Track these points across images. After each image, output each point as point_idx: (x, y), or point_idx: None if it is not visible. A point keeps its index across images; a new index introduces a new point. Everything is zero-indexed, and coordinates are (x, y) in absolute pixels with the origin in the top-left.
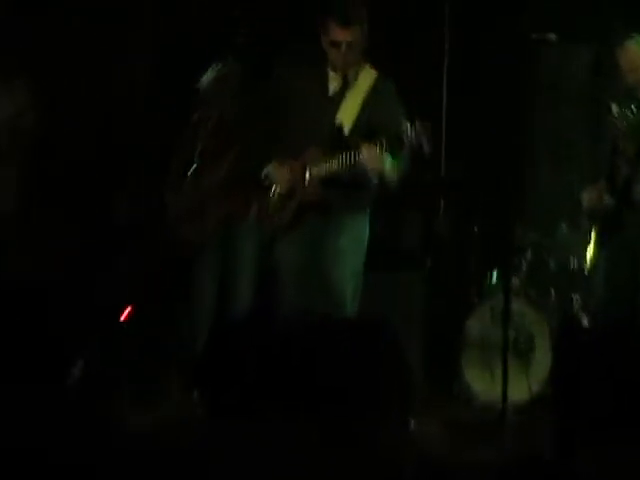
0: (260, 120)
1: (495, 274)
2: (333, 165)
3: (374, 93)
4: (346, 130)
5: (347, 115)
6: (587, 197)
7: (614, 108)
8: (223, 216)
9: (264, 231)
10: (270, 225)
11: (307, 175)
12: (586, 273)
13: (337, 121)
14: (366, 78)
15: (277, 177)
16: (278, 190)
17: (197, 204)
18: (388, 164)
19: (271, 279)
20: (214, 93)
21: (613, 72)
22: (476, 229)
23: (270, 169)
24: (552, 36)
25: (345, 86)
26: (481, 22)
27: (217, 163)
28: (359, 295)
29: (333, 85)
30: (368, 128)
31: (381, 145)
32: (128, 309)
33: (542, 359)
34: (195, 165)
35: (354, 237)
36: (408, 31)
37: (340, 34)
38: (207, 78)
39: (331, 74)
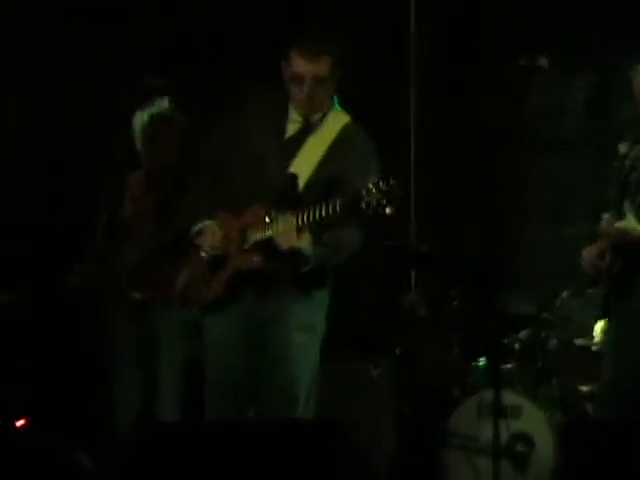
0: (200, 169)
1: (482, 360)
2: (272, 229)
3: (342, 141)
4: (300, 184)
5: (304, 166)
6: (588, 256)
7: (622, 148)
8: (146, 292)
9: (190, 306)
10: (197, 297)
11: (245, 239)
12: (593, 350)
13: (290, 173)
14: (334, 122)
15: (209, 236)
16: (207, 251)
17: (112, 279)
18: (305, 242)
19: (201, 371)
20: (148, 139)
21: (619, 106)
22: (456, 304)
23: (202, 226)
24: (544, 61)
25: (307, 130)
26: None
27: (142, 228)
28: (314, 392)
29: (293, 127)
30: (328, 184)
31: (310, 214)
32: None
33: (542, 462)
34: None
35: (306, 320)
36: (379, 71)
37: (303, 66)
38: (140, 120)
39: (292, 115)
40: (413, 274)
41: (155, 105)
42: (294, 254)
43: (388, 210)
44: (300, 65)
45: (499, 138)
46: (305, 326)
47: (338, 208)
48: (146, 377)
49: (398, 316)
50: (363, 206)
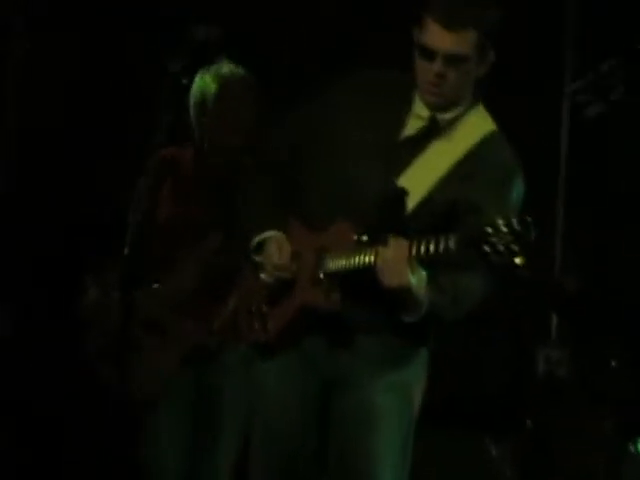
0: (270, 162)
1: None
2: (355, 260)
3: (478, 156)
4: (410, 205)
5: (420, 180)
6: None
7: None
8: (189, 345)
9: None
10: (246, 336)
11: (321, 265)
12: None
13: (398, 187)
14: (473, 127)
15: (273, 252)
16: (268, 272)
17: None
18: (420, 280)
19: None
20: (217, 107)
21: None
22: (613, 365)
23: (266, 237)
24: None
25: (433, 131)
26: None
27: (186, 236)
28: (406, 477)
29: (414, 124)
30: (446, 211)
31: (419, 246)
32: None
33: None
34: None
35: (396, 379)
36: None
37: (439, 39)
38: (201, 84)
39: (417, 106)
40: (554, 321)
41: (217, 65)
42: (402, 296)
43: (518, 260)
44: (434, 34)
45: None
46: (395, 386)
47: (453, 245)
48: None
49: (530, 377)
50: (486, 249)
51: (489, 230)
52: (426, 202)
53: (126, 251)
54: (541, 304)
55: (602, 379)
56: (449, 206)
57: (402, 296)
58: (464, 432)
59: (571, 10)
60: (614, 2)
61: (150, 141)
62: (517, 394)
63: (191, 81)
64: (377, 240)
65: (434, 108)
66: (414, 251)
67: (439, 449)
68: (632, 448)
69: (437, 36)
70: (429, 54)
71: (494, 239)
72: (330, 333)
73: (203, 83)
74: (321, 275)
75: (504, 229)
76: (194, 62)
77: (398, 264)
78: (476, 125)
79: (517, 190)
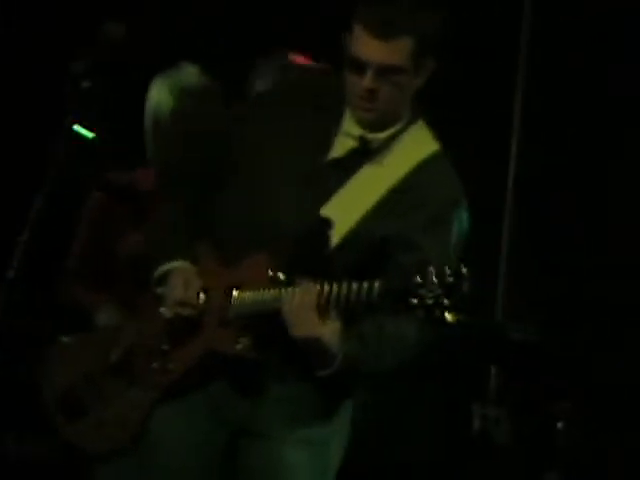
0: (181, 179)
1: None
2: (264, 302)
3: (416, 183)
4: (334, 238)
5: (346, 210)
6: None
7: None
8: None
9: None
10: (143, 379)
11: (230, 304)
12: None
13: (322, 217)
14: (410, 148)
15: (178, 286)
16: (170, 308)
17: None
18: (331, 331)
19: None
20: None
21: None
22: (560, 427)
23: (171, 268)
24: None
25: (364, 153)
26: None
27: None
28: None
29: (343, 145)
30: (375, 250)
31: (334, 293)
32: None
33: None
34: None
35: (311, 433)
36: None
37: (369, 49)
38: (161, 97)
39: (347, 124)
40: (493, 374)
41: (181, 71)
42: (311, 348)
43: (448, 317)
44: (364, 44)
45: None
46: (308, 440)
47: (375, 295)
48: None
49: (465, 441)
50: (413, 302)
51: (418, 280)
52: (353, 236)
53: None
54: (479, 355)
55: (548, 445)
56: (380, 242)
57: (311, 348)
58: None
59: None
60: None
61: (49, 149)
62: (449, 461)
63: (94, 84)
64: (294, 279)
65: (366, 126)
66: (326, 299)
67: None
68: None
69: (367, 46)
70: (359, 66)
71: (422, 291)
72: (238, 379)
73: (158, 95)
74: (230, 316)
75: (434, 280)
76: (97, 63)
77: (305, 312)
78: (414, 146)
79: (459, 224)
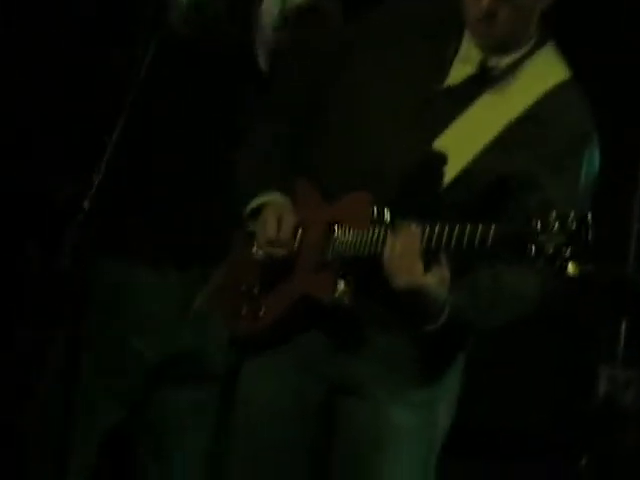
0: (272, 110)
1: None
2: (365, 242)
3: (543, 114)
4: (448, 175)
5: (462, 144)
6: None
7: None
8: None
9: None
10: (232, 324)
11: (330, 244)
12: None
13: (433, 151)
14: (536, 76)
15: (270, 221)
16: (263, 247)
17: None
18: (439, 280)
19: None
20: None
21: None
22: None
23: (265, 201)
24: None
25: (483, 79)
26: None
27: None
28: None
29: (460, 71)
30: (494, 189)
31: (441, 237)
32: None
33: None
34: None
35: (416, 394)
36: None
37: None
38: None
39: (465, 48)
40: (623, 331)
41: None
42: (415, 299)
43: (570, 268)
44: None
45: None
46: (417, 402)
47: (490, 240)
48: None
49: (589, 408)
50: (532, 250)
51: (538, 226)
52: (469, 173)
53: None
54: (607, 309)
55: None
56: (498, 180)
57: (414, 299)
58: (501, 466)
59: None
60: None
61: None
62: (569, 425)
63: None
64: (400, 220)
65: (487, 50)
66: (434, 243)
67: None
68: None
69: None
70: None
71: (542, 238)
72: (337, 330)
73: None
74: (328, 257)
75: (556, 226)
76: None
77: (409, 258)
78: (541, 73)
79: (589, 163)
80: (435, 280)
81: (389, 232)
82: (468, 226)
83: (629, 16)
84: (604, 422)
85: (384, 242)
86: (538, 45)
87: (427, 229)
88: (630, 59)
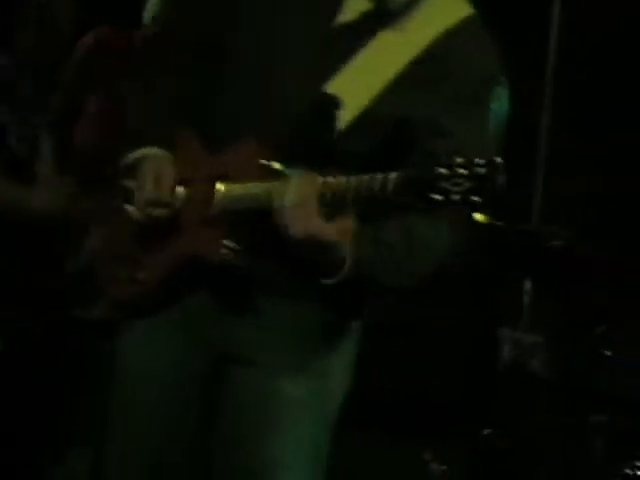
0: (162, 49)
1: None
2: (254, 194)
3: (441, 53)
4: (343, 119)
5: (358, 86)
6: None
7: None
8: None
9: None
10: (109, 288)
11: (216, 195)
12: None
13: (327, 94)
14: (438, 11)
15: (148, 178)
16: (140, 207)
17: None
18: (340, 229)
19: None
20: None
21: None
22: (608, 354)
23: (141, 155)
24: None
25: (379, 16)
26: None
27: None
28: None
29: (352, 6)
30: (391, 132)
31: (337, 180)
32: None
33: None
34: None
35: (308, 360)
36: None
37: None
38: None
39: None
40: (526, 291)
41: None
42: (313, 250)
43: (478, 216)
44: None
45: None
46: (307, 369)
47: (391, 188)
48: None
49: (493, 373)
50: (437, 197)
51: (442, 172)
52: (365, 117)
53: None
54: (512, 267)
55: (590, 374)
56: (397, 124)
57: (312, 250)
58: (399, 439)
59: None
60: None
61: None
62: (474, 390)
63: None
64: (291, 170)
65: None
66: (331, 192)
67: (363, 460)
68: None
69: None
70: None
71: (447, 184)
72: (222, 292)
73: None
74: (213, 213)
75: (462, 171)
76: None
77: (304, 206)
78: (442, 9)
79: (497, 105)
80: (336, 229)
81: (282, 181)
82: (368, 176)
83: None
84: (509, 391)
85: (275, 193)
86: None
87: (324, 177)
88: None
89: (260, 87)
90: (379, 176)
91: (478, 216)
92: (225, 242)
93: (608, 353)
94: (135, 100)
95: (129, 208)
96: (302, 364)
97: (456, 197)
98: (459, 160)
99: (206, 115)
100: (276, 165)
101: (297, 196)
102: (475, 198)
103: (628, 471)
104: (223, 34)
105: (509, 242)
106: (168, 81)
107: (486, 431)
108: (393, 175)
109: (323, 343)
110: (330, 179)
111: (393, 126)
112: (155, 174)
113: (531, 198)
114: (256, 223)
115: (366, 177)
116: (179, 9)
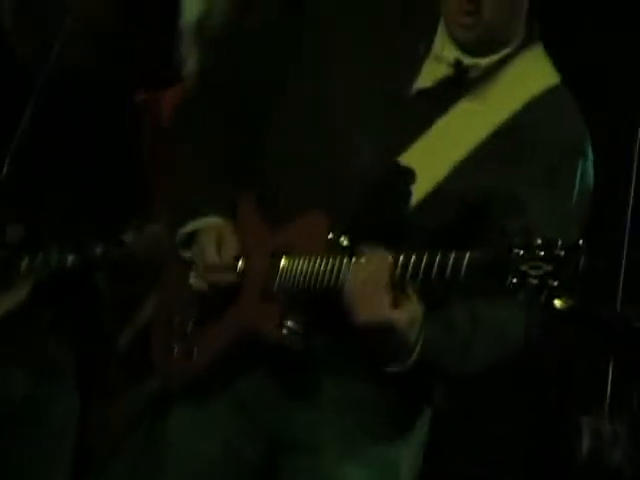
0: (218, 108)
1: None
2: (319, 271)
3: (526, 126)
4: (417, 194)
5: (434, 158)
6: None
7: None
8: None
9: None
10: (162, 365)
11: (278, 273)
12: None
13: (400, 165)
14: (521, 80)
15: (209, 248)
16: (201, 277)
17: None
18: (410, 314)
19: None
20: None
21: None
22: None
23: (202, 226)
24: None
25: (457, 83)
26: None
27: None
28: None
29: (433, 71)
30: (471, 209)
31: (408, 265)
32: None
33: None
34: None
35: (374, 450)
36: None
37: None
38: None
39: (439, 44)
40: (610, 379)
41: None
42: (380, 338)
43: (557, 302)
44: None
45: None
46: (372, 459)
47: (464, 270)
48: None
49: (570, 465)
50: (513, 281)
51: (519, 253)
52: (440, 193)
53: None
54: (593, 351)
55: None
56: (474, 201)
57: (379, 337)
58: None
59: None
60: None
61: None
62: None
63: None
64: (360, 247)
65: (465, 48)
66: (401, 273)
67: None
68: None
69: None
70: None
71: (525, 267)
72: (279, 374)
73: None
74: (275, 290)
75: (542, 253)
76: None
77: (373, 290)
78: (526, 77)
79: (581, 181)
80: (406, 316)
81: (349, 259)
82: (440, 254)
83: (621, 16)
84: None
85: (341, 271)
86: (525, 44)
87: (396, 256)
88: (623, 62)
89: (327, 154)
90: (452, 255)
91: (557, 301)
92: (286, 322)
93: None
94: (188, 164)
95: (190, 278)
96: (367, 452)
97: (534, 281)
98: (537, 241)
99: (265, 180)
100: (344, 241)
101: (367, 277)
102: (554, 282)
103: None
104: (286, 92)
105: (592, 325)
106: (222, 145)
107: None
108: (467, 255)
109: (389, 429)
110: (401, 258)
111: (468, 203)
112: (217, 243)
113: (617, 276)
114: (319, 301)
115: (438, 257)
116: (234, 67)
